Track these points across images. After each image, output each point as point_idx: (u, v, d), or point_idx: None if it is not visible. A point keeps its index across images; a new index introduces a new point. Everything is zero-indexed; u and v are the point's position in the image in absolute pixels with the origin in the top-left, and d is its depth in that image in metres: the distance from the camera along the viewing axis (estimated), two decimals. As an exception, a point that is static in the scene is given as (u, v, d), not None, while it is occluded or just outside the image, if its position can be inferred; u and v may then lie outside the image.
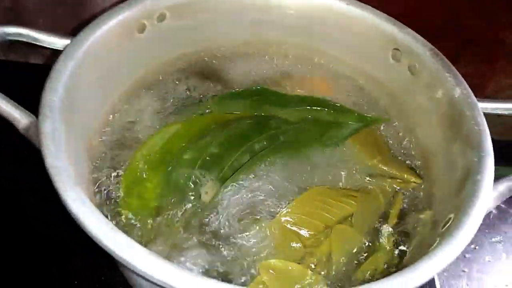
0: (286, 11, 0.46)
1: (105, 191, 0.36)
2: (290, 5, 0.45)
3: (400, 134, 0.44)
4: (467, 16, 0.52)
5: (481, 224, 0.51)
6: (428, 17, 0.49)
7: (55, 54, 0.60)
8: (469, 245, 0.49)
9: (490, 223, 0.52)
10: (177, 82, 0.45)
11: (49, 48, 0.37)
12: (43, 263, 0.43)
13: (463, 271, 0.49)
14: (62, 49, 0.36)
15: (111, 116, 0.41)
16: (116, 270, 0.41)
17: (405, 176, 0.41)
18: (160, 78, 0.45)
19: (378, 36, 0.44)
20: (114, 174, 0.38)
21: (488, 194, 0.32)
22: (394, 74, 0.44)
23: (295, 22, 0.46)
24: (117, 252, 0.25)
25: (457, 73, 0.40)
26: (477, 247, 0.51)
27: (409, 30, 0.42)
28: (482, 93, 0.39)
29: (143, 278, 0.25)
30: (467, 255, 0.50)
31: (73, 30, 0.57)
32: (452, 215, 0.32)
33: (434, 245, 0.30)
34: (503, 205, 0.54)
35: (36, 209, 0.47)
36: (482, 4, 0.51)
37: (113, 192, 0.37)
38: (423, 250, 0.32)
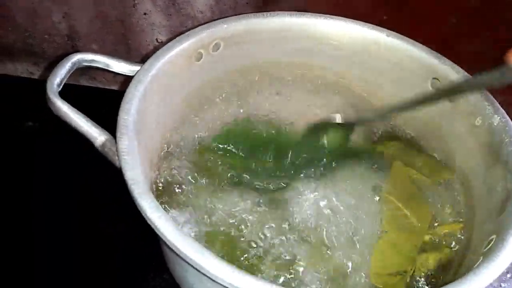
0: (329, 42, 0.49)
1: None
2: (334, 36, 0.49)
3: (440, 160, 0.46)
4: (496, 45, 0.54)
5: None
6: (459, 48, 0.51)
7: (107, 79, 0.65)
8: (505, 274, 0.50)
9: (526, 252, 0.53)
10: (223, 106, 0.49)
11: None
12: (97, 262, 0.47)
13: (499, 300, 0.49)
14: (130, 74, 0.40)
15: (168, 135, 0.44)
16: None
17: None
18: (209, 100, 0.49)
19: (417, 66, 0.46)
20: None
21: (529, 215, 0.34)
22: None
23: (337, 52, 0.49)
24: (187, 253, 0.28)
25: (495, 101, 0.42)
26: (513, 276, 0.51)
27: (449, 61, 0.45)
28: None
29: (210, 279, 0.28)
30: (503, 284, 0.50)
31: (121, 55, 0.63)
32: (494, 236, 0.34)
33: (478, 263, 0.31)
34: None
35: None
36: (510, 33, 0.53)
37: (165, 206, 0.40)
38: (464, 269, 0.34)
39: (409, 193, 0.44)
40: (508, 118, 0.40)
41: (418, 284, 0.40)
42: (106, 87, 0.68)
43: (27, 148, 0.57)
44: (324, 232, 0.41)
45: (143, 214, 0.29)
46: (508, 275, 0.51)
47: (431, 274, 0.40)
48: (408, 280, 0.39)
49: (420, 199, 0.44)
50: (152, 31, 0.61)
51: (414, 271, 0.40)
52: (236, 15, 0.47)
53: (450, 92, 0.40)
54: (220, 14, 0.58)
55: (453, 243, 0.41)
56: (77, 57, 0.38)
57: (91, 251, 0.48)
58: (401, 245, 0.41)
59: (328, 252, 0.40)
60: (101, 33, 0.62)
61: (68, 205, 0.51)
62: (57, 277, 0.46)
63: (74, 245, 0.48)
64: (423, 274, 0.40)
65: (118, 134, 0.33)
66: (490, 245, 0.33)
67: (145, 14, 0.59)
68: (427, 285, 0.39)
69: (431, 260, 0.41)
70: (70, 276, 0.46)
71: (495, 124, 0.40)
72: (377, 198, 0.43)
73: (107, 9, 0.60)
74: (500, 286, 0.50)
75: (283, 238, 0.39)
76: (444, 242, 0.41)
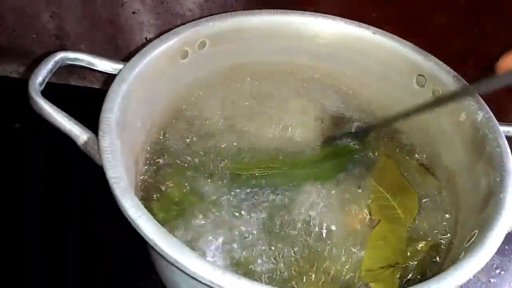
0: (316, 40, 0.49)
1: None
2: (321, 34, 0.49)
3: (425, 155, 0.47)
4: (484, 42, 0.55)
5: (507, 249, 0.52)
6: (447, 45, 0.51)
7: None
8: (494, 270, 0.51)
9: (515, 248, 0.53)
10: (210, 104, 0.49)
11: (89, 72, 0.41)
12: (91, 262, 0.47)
13: (488, 295, 0.49)
14: (113, 72, 0.40)
15: (153, 133, 0.44)
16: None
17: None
18: (196, 98, 0.49)
19: (403, 63, 0.47)
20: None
21: (510, 210, 0.34)
22: (418, 98, 0.46)
23: (324, 50, 0.50)
24: (168, 252, 0.28)
25: (480, 98, 0.42)
26: (502, 272, 0.51)
27: (433, 57, 0.45)
28: (505, 118, 0.42)
29: (191, 277, 0.28)
30: (492, 280, 0.50)
31: (110, 54, 0.63)
32: (476, 231, 0.34)
33: (460, 257, 0.32)
34: (529, 230, 0.54)
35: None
36: (496, 31, 0.53)
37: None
38: (448, 263, 0.34)
39: (397, 185, 0.45)
40: (491, 113, 0.41)
41: (408, 277, 0.40)
42: (96, 87, 0.67)
43: (17, 149, 0.57)
44: (314, 232, 0.41)
45: (124, 213, 0.29)
46: (497, 271, 0.51)
47: (421, 267, 0.40)
48: (400, 273, 0.40)
49: (408, 192, 0.45)
50: (141, 30, 0.61)
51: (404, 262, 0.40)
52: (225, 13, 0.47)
53: (448, 99, 0.41)
54: (209, 12, 0.58)
55: (439, 235, 0.41)
56: (60, 56, 0.38)
57: (84, 251, 0.48)
58: (389, 237, 0.41)
59: (319, 252, 0.40)
60: (89, 33, 0.62)
61: (60, 206, 0.51)
62: (50, 277, 0.46)
63: (67, 246, 0.48)
64: (414, 265, 0.40)
65: (100, 133, 0.33)
66: (473, 240, 0.33)
67: (133, 13, 0.59)
68: (417, 277, 0.40)
69: (420, 249, 0.41)
70: (63, 277, 0.46)
71: (479, 119, 0.40)
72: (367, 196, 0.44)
73: (95, 9, 0.59)
74: (489, 281, 0.50)
75: (271, 237, 0.39)
76: (428, 234, 0.41)
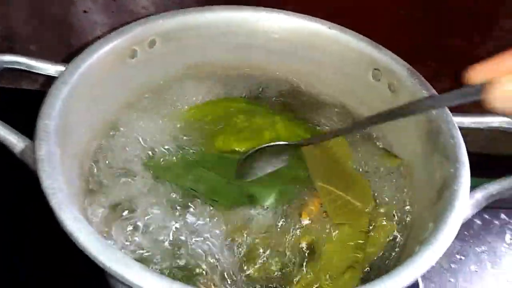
0: (271, 35, 0.48)
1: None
2: (275, 29, 0.48)
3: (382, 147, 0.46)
4: (445, 35, 0.55)
5: (466, 235, 0.53)
6: (407, 38, 0.51)
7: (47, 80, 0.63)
8: (455, 255, 0.52)
9: (475, 234, 0.54)
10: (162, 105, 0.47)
11: (42, 75, 0.39)
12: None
13: (450, 281, 0.50)
14: (56, 75, 0.38)
15: (101, 139, 0.42)
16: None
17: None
18: (148, 101, 0.47)
19: (359, 57, 0.46)
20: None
21: (464, 202, 0.34)
22: (374, 92, 0.46)
23: (279, 46, 0.49)
24: (111, 266, 0.26)
25: (433, 90, 0.42)
26: (462, 258, 0.52)
27: (388, 51, 0.45)
28: (458, 108, 0.41)
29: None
30: (453, 265, 0.51)
31: (63, 56, 0.60)
32: (431, 224, 0.34)
33: (415, 251, 0.31)
34: (487, 216, 0.56)
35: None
36: (458, 23, 0.54)
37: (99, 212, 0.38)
38: (404, 258, 0.34)
39: (345, 178, 0.43)
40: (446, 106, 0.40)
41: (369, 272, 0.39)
42: (36, 88, 0.64)
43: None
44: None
45: (62, 226, 0.28)
46: (458, 256, 0.52)
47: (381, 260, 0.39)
48: (360, 271, 0.39)
49: (358, 181, 0.43)
50: (94, 29, 0.59)
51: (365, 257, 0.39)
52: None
53: (413, 109, 0.37)
54: (165, 10, 0.55)
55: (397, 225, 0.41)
56: (-6, 60, 0.36)
57: (46, 254, 0.46)
58: (347, 237, 0.40)
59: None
60: (40, 33, 0.60)
61: (18, 209, 0.50)
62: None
63: (28, 250, 0.47)
64: (375, 259, 0.39)
65: (36, 141, 0.31)
66: (428, 233, 0.33)
67: (85, 12, 0.57)
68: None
69: (381, 239, 0.40)
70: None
71: (433, 112, 0.40)
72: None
73: (44, 8, 0.57)
74: (450, 266, 0.51)
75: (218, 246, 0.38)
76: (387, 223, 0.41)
